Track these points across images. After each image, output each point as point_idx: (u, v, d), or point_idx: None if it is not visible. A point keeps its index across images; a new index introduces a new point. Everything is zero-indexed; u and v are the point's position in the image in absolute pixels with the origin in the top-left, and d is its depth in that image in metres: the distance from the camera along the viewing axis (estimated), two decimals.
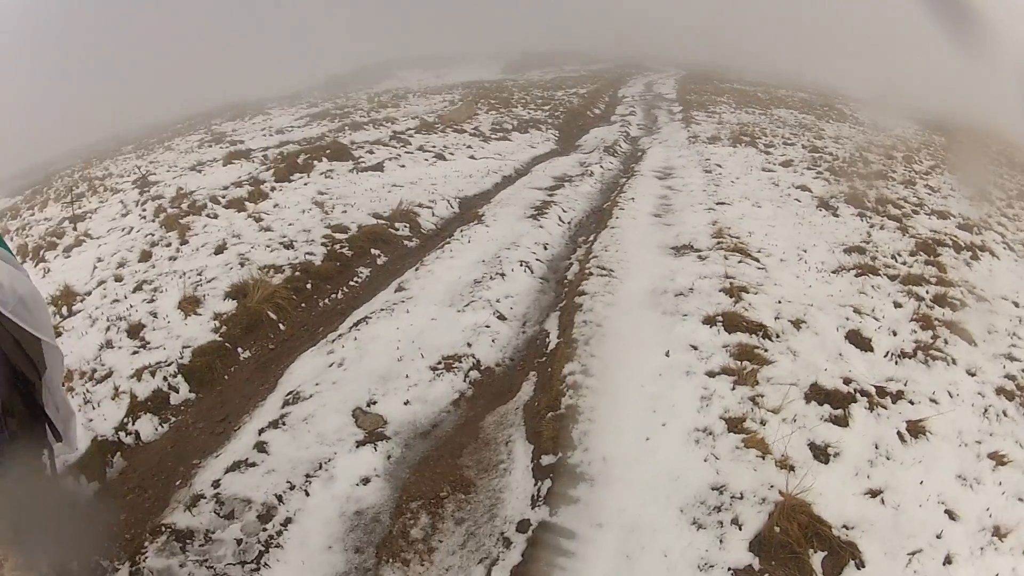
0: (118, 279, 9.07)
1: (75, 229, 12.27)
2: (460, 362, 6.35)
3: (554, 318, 7.18)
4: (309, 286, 8.38)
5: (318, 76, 39.76)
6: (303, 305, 8.12)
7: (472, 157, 16.14)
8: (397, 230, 10.51)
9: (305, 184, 13.19)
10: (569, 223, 10.54)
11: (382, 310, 7.24)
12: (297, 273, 8.52)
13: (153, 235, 10.78)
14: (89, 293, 8.84)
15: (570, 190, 12.30)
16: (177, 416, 6.34)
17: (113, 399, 6.47)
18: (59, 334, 7.76)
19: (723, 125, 21.10)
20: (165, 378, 6.61)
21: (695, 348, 5.97)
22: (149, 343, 7.23)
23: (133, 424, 6.17)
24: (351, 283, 8.85)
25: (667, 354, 5.82)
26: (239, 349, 7.20)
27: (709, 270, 7.62)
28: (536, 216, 10.35)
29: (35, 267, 10.94)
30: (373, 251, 9.72)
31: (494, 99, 26.07)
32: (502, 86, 32.79)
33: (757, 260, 8.20)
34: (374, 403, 5.75)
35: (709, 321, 6.39)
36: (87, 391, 6.66)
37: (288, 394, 6.08)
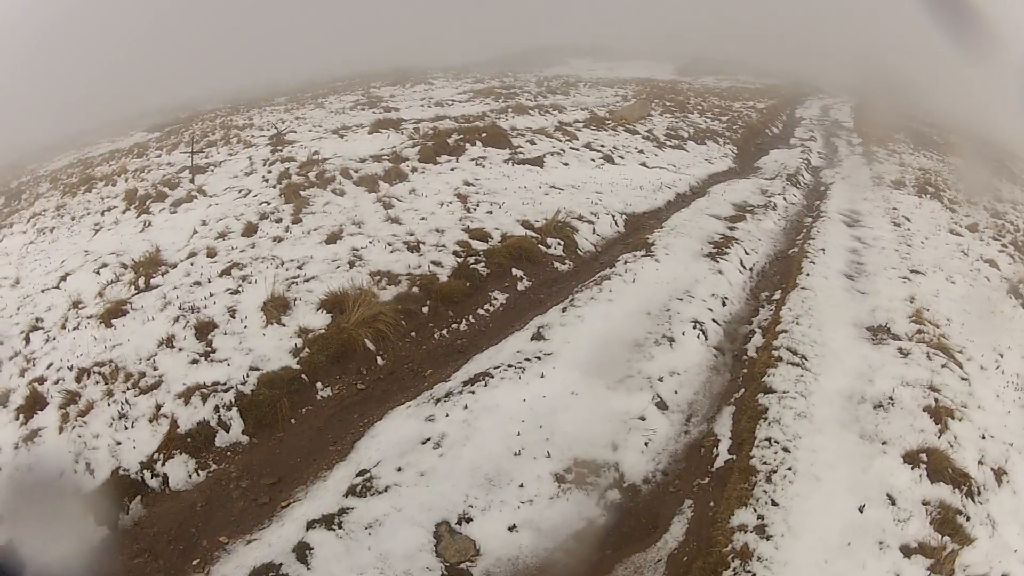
0: (211, 254, 8.55)
1: (192, 182, 12.13)
2: (597, 474, 5.16)
3: (727, 415, 6.10)
4: (426, 309, 7.29)
5: (488, 52, 40.19)
6: (413, 334, 7.02)
7: (644, 164, 14.94)
8: (549, 247, 9.23)
9: (452, 170, 12.30)
10: (751, 270, 9.46)
11: (510, 366, 6.15)
12: (415, 289, 7.41)
13: (268, 204, 10.36)
14: (175, 265, 8.42)
15: (752, 224, 11.29)
16: (219, 464, 5.46)
17: (151, 421, 5.72)
18: (123, 313, 7.29)
19: (905, 168, 20.19)
20: (217, 408, 5.75)
21: (892, 501, 5.02)
22: (214, 352, 6.47)
23: (164, 463, 5.36)
24: (480, 311, 7.66)
25: (861, 509, 4.93)
26: (318, 384, 6.21)
27: (911, 374, 6.78)
28: (715, 256, 9.26)
29: (137, 218, 10.84)
30: (515, 271, 8.51)
31: (669, 101, 25.06)
32: (676, 88, 31.80)
33: (960, 366, 7.32)
34: (468, 519, 4.66)
35: (911, 459, 5.50)
36: (125, 401, 5.98)
37: (360, 473, 4.99)
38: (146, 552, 4.68)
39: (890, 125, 29.09)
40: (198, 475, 5.28)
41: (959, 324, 8.42)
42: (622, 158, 14.97)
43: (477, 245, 8.66)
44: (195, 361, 6.24)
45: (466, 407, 5.49)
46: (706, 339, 7.06)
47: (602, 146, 15.62)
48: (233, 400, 5.74)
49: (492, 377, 5.91)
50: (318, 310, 6.82)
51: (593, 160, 14.33)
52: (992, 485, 5.51)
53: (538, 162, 13.41)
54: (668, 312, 7.31)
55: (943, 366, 7.03)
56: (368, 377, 6.35)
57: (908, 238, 12.13)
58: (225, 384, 5.89)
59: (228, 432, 5.58)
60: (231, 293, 7.33)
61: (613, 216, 10.65)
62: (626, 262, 8.67)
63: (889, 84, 44.03)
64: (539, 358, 6.22)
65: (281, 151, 13.88)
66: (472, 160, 12.96)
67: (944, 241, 12.58)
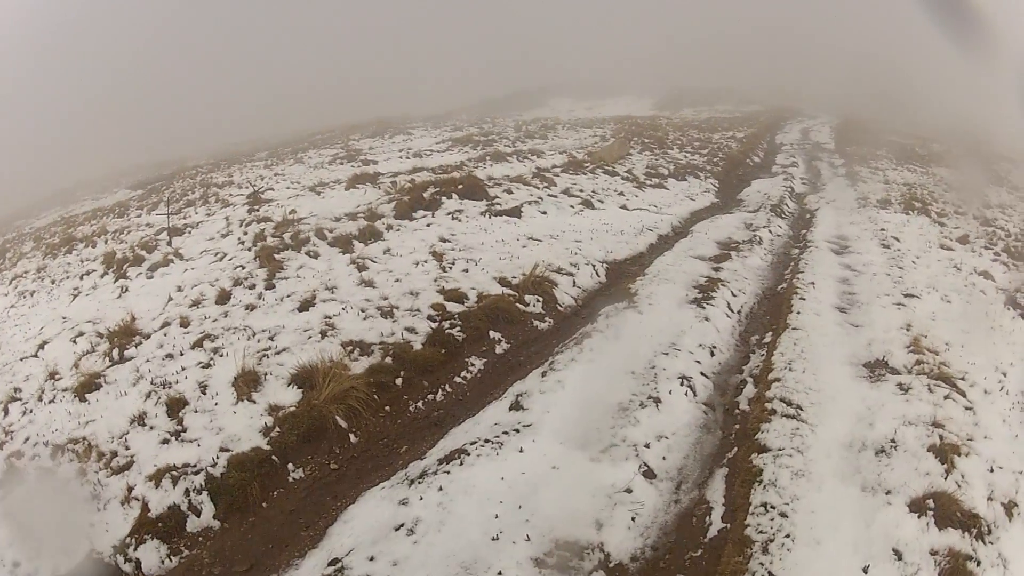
0: (184, 323, 8.70)
1: (169, 244, 12.31)
2: (581, 557, 4.94)
3: (720, 479, 5.85)
4: (400, 380, 7.39)
5: (470, 97, 40.71)
6: (387, 408, 7.10)
7: (624, 207, 15.00)
8: (527, 305, 9.13)
9: (428, 225, 12.51)
10: (739, 312, 9.30)
11: (487, 441, 6.05)
12: (388, 359, 7.54)
13: (243, 268, 10.53)
14: (149, 336, 8.57)
15: (738, 263, 11.20)
16: (191, 549, 5.48)
17: (123, 504, 5.80)
18: (97, 387, 7.45)
19: (890, 185, 20.18)
20: (188, 492, 5.83)
21: (899, 556, 4.87)
22: (185, 431, 6.57)
23: (136, 548, 5.41)
24: (457, 379, 7.69)
25: (865, 570, 4.76)
26: (290, 465, 6.27)
27: (913, 412, 6.61)
28: (700, 302, 9.13)
29: (114, 283, 11.05)
30: (492, 333, 8.53)
31: (648, 138, 25.18)
32: (655, 124, 32.08)
33: (963, 394, 7.12)
34: None
35: (917, 507, 5.33)
36: (98, 481, 6.08)
37: (332, 563, 4.96)
38: None
39: (872, 142, 29.03)
40: (171, 560, 5.31)
41: (959, 347, 8.26)
42: (601, 202, 15.01)
43: (453, 307, 8.76)
44: (166, 441, 6.32)
45: (441, 489, 5.40)
46: (695, 396, 6.90)
47: (581, 191, 15.69)
48: (203, 483, 5.79)
49: (468, 454, 5.81)
50: (289, 385, 6.94)
51: (572, 207, 14.42)
52: (1003, 521, 5.40)
53: (516, 212, 13.51)
54: (653, 369, 7.12)
55: (946, 397, 6.86)
56: (341, 456, 6.39)
57: (899, 259, 12.05)
58: (195, 466, 5.96)
59: (199, 516, 5.62)
60: (202, 367, 7.44)
61: (593, 266, 10.71)
62: (608, 316, 8.60)
63: (874, 94, 44.05)
64: (517, 430, 6.12)
65: (258, 211, 14.06)
66: (448, 214, 13.09)
67: (936, 258, 12.50)
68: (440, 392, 7.40)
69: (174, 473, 5.89)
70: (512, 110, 39.29)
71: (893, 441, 6.10)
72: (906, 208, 16.89)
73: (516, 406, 6.56)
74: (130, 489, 5.82)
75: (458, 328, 8.33)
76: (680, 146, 24.11)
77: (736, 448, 6.18)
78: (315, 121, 33.63)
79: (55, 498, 5.99)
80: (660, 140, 24.90)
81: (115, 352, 8.06)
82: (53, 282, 12.06)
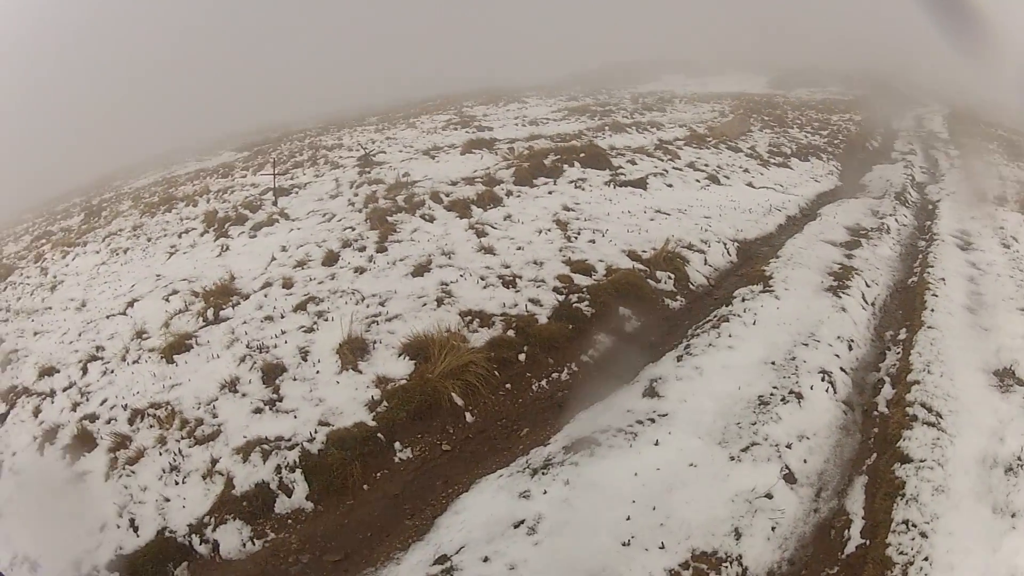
0: (287, 285, 8.24)
1: (275, 204, 11.99)
2: (718, 571, 4.42)
3: (859, 488, 5.46)
4: (523, 357, 6.64)
5: (580, 68, 39.94)
6: (507, 385, 6.39)
7: (750, 185, 14.18)
8: (658, 281, 8.50)
9: (550, 193, 11.74)
10: (873, 305, 8.74)
11: (619, 431, 5.53)
12: (510, 332, 6.79)
13: (352, 230, 10.06)
14: (248, 296, 8.15)
15: (868, 251, 10.61)
16: (278, 532, 5.00)
17: (204, 478, 5.36)
18: (187, 348, 7.10)
19: (1005, 181, 18.82)
20: (279, 468, 5.29)
21: None
22: (281, 400, 6.05)
23: (216, 528, 4.98)
24: (583, 358, 6.95)
25: None
26: (397, 445, 5.65)
27: None
28: (836, 290, 8.60)
29: (214, 242, 10.86)
30: (622, 310, 7.77)
31: (767, 115, 24.28)
32: (772, 102, 30.93)
33: None
34: None
35: None
36: (178, 452, 5.66)
37: (439, 560, 4.41)
38: None
39: (982, 135, 28.17)
40: (253, 544, 4.88)
41: None
42: (727, 178, 14.27)
43: (580, 280, 8.02)
44: (259, 410, 5.83)
45: (567, 482, 4.90)
46: (835, 393, 6.43)
47: (706, 165, 14.90)
48: (298, 460, 5.28)
49: (598, 444, 5.31)
50: (400, 356, 6.31)
51: (698, 181, 13.61)
52: None
53: (641, 184, 12.70)
54: (794, 361, 6.68)
55: None
56: (455, 436, 5.76)
57: (1019, 262, 11.19)
58: (290, 440, 5.45)
59: (290, 497, 5.12)
60: (305, 331, 6.94)
61: (724, 244, 9.93)
62: (744, 299, 8.09)
63: (980, 87, 41.97)
64: (652, 420, 5.63)
65: (369, 173, 13.69)
66: (571, 182, 12.37)
67: None
68: (565, 371, 6.70)
69: (265, 447, 5.39)
70: (625, 83, 38.65)
71: (1019, 459, 5.70)
72: (1021, 207, 15.88)
73: (651, 392, 6.06)
74: (214, 462, 5.39)
75: (586, 303, 7.56)
76: (800, 126, 23.26)
77: (876, 454, 5.80)
78: (424, 90, 33.65)
79: (126, 468, 5.58)
80: (779, 118, 24.05)
81: (210, 312, 7.70)
82: (149, 240, 12.04)
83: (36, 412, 6.85)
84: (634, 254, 8.88)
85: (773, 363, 6.58)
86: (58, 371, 7.41)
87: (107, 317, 8.45)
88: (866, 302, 8.65)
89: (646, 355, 6.98)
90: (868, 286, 9.09)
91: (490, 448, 5.65)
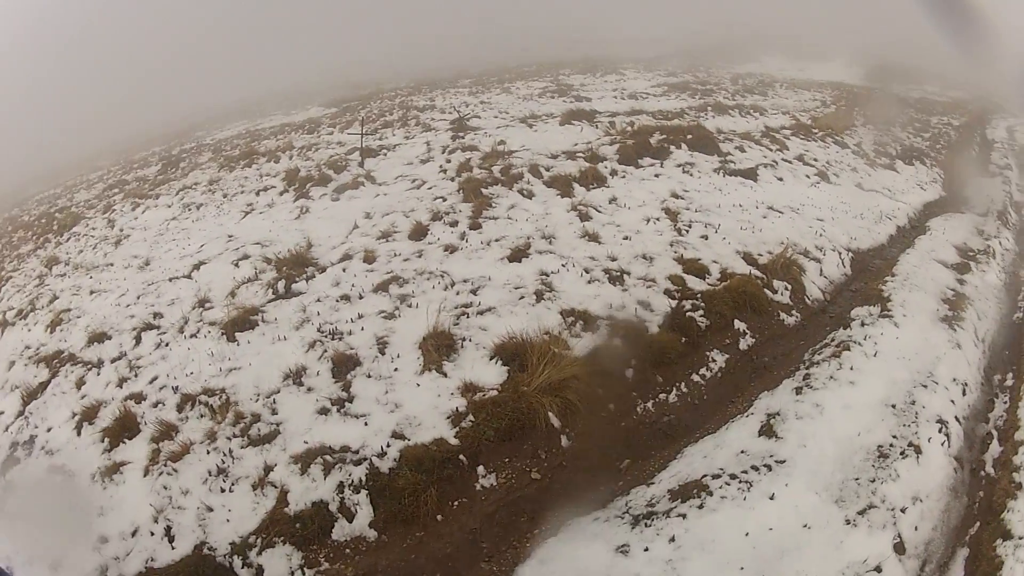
0: (368, 259, 7.56)
1: (361, 166, 11.32)
2: None
3: (960, 562, 5.11)
4: (630, 372, 5.80)
5: (679, 42, 38.57)
6: (611, 406, 5.56)
7: (859, 186, 13.00)
8: (775, 292, 7.57)
9: (656, 176, 10.74)
10: (983, 341, 8.03)
11: (732, 477, 5.03)
12: (616, 341, 5.99)
13: (444, 200, 9.29)
14: (324, 269, 7.50)
15: (978, 277, 9.75)
16: (333, 562, 4.44)
17: (255, 488, 4.77)
18: (252, 325, 6.50)
19: None
20: (341, 487, 4.65)
21: None
22: (351, 400, 5.37)
23: (262, 551, 4.42)
24: (695, 377, 6.15)
25: None
26: (480, 469, 4.92)
27: None
28: (951, 322, 7.92)
29: (294, 202, 10.30)
30: (736, 323, 6.90)
31: (868, 110, 22.38)
32: (871, 95, 29.03)
33: None
34: None
35: None
36: (228, 452, 5.08)
37: None
38: None
39: None
40: (303, 574, 4.29)
41: None
42: (837, 176, 13.20)
43: (693, 283, 7.12)
44: (325, 410, 5.16)
45: (672, 539, 4.46)
46: (949, 447, 5.94)
47: (815, 160, 13.73)
48: (364, 479, 4.62)
49: (709, 493, 4.81)
50: (492, 359, 5.53)
51: (808, 176, 12.47)
52: None
53: (751, 175, 11.61)
54: (913, 405, 6.15)
55: None
56: (546, 463, 5.01)
57: None
58: (357, 453, 4.79)
59: (351, 522, 4.49)
60: (385, 317, 6.23)
61: (839, 253, 9.01)
62: (863, 323, 7.40)
63: None
64: (769, 467, 5.12)
65: (463, 138, 12.89)
66: (678, 166, 11.36)
67: None
68: (674, 391, 5.92)
69: (328, 458, 4.75)
70: (723, 61, 37.37)
71: None
72: None
73: (768, 431, 5.52)
74: (268, 470, 4.78)
75: (700, 312, 6.66)
76: (901, 125, 21.73)
77: (979, 523, 5.42)
78: (521, 55, 32.81)
79: (168, 464, 5.03)
80: (882, 115, 22.29)
81: (281, 284, 7.07)
82: (225, 196, 11.52)
83: (79, 384, 6.40)
84: (749, 257, 7.95)
85: (893, 406, 6.07)
86: (109, 338, 6.95)
87: (170, 280, 7.97)
88: (978, 338, 7.94)
89: (760, 379, 6.41)
90: (979, 319, 8.36)
91: (586, 480, 5.00)
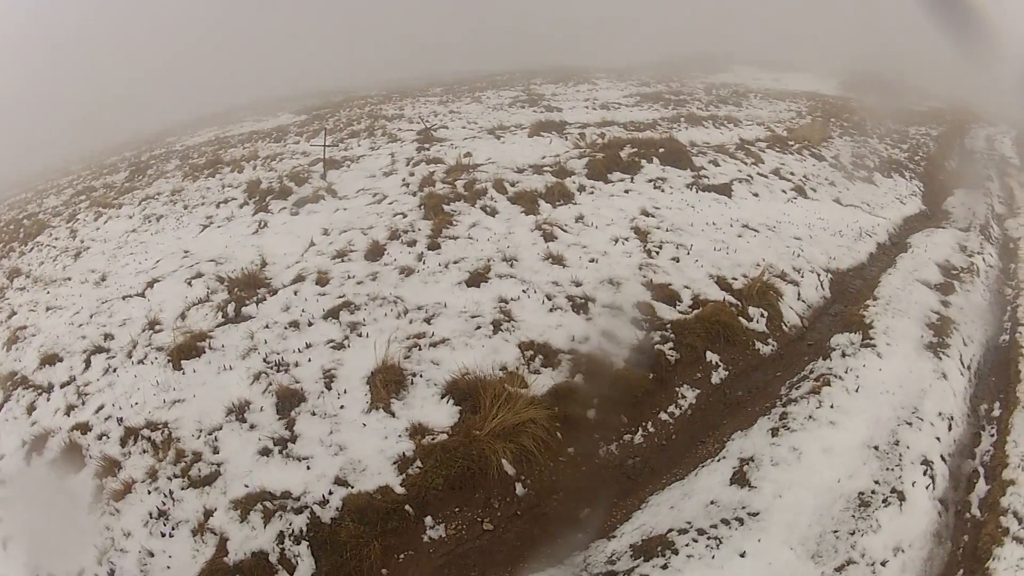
0: (321, 281, 7.29)
1: (323, 178, 11.05)
2: None
3: None
4: (592, 413, 5.55)
5: (651, 54, 38.80)
6: (570, 449, 5.31)
7: (837, 201, 12.78)
8: (750, 319, 7.30)
9: (626, 192, 10.53)
10: (969, 368, 7.77)
11: (700, 533, 4.73)
12: (578, 378, 5.76)
13: (404, 216, 9.02)
14: (276, 292, 7.24)
15: (962, 297, 9.54)
16: None
17: (195, 534, 4.54)
18: (198, 352, 6.24)
19: None
20: (282, 536, 4.42)
21: None
22: (295, 439, 5.11)
23: None
24: (662, 416, 5.87)
25: None
26: (428, 518, 4.66)
27: None
28: (936, 349, 7.63)
29: (252, 216, 10.04)
30: (709, 355, 6.62)
31: (845, 121, 22.72)
32: (848, 106, 29.37)
33: None
34: None
35: None
36: (169, 493, 4.80)
37: None
38: None
39: None
40: None
41: None
42: (814, 190, 12.92)
43: (663, 311, 6.86)
44: (267, 451, 4.89)
45: None
46: (934, 488, 5.69)
47: (792, 174, 13.52)
48: (305, 528, 4.36)
49: (675, 551, 4.49)
50: (443, 398, 5.26)
51: (784, 192, 12.24)
52: None
53: (725, 190, 11.40)
54: (897, 446, 5.89)
55: None
56: (500, 512, 4.75)
57: None
58: (299, 500, 4.52)
59: (291, 575, 4.18)
60: (333, 347, 5.97)
61: (818, 275, 8.71)
62: (844, 354, 7.07)
63: None
64: (741, 521, 4.80)
65: (428, 150, 12.65)
66: (649, 181, 11.12)
67: None
68: (640, 432, 5.63)
69: (268, 504, 4.49)
70: (696, 71, 37.53)
71: None
72: None
73: (741, 479, 5.18)
74: (208, 514, 4.53)
75: (670, 344, 6.40)
76: (879, 136, 21.76)
77: (962, 571, 5.20)
78: (491, 63, 32.72)
79: (111, 504, 4.77)
80: (859, 125, 22.53)
81: (231, 307, 6.80)
82: (186, 208, 11.23)
83: (30, 409, 6.19)
84: (723, 281, 7.67)
85: (876, 448, 5.80)
86: (61, 360, 6.72)
87: (123, 298, 7.70)
88: (963, 365, 7.66)
89: (734, 416, 6.08)
90: (965, 344, 8.09)
91: (542, 531, 4.73)
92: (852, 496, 5.18)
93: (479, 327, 6.20)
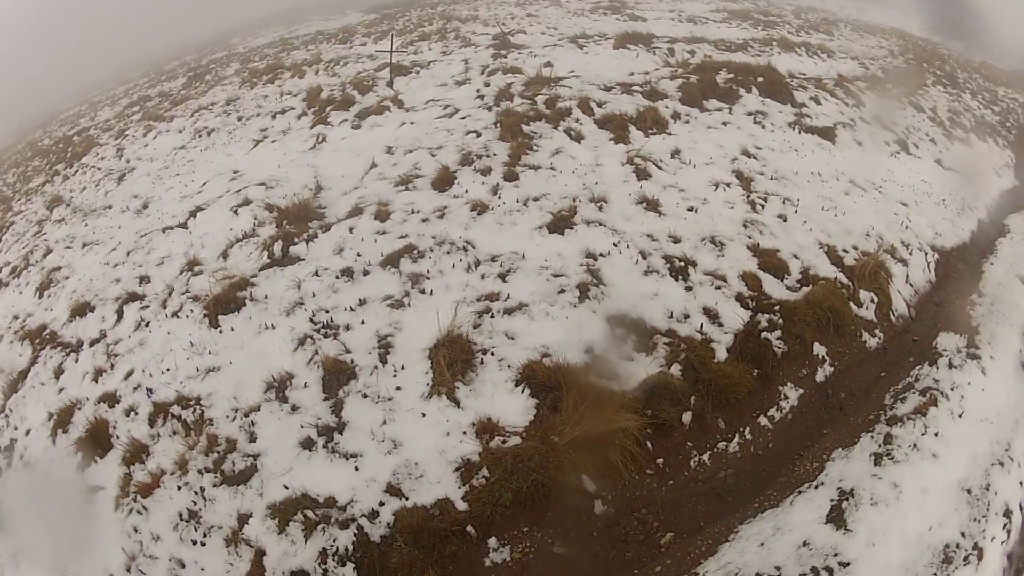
0: (382, 215, 6.42)
1: (390, 86, 10.05)
2: None
3: None
4: (687, 416, 4.68)
5: None
6: (659, 460, 4.49)
7: (939, 162, 11.20)
8: (860, 305, 6.25)
9: (724, 124, 9.30)
10: None
11: None
12: (675, 368, 4.87)
13: (477, 136, 8.03)
14: (329, 228, 6.37)
15: None
16: None
17: (228, 545, 4.00)
18: (238, 306, 5.59)
19: None
20: (324, 555, 3.80)
21: None
22: (342, 428, 4.40)
23: None
24: (761, 420, 5.04)
25: None
26: (492, 540, 3.96)
27: None
28: None
29: (310, 129, 9.22)
30: (816, 348, 5.66)
31: (938, 70, 20.03)
32: (936, 51, 26.38)
33: None
34: None
35: None
36: (201, 490, 4.27)
37: None
38: None
39: None
40: None
41: None
42: (916, 146, 11.36)
43: (771, 287, 5.85)
44: (310, 443, 4.24)
45: None
46: (1007, 543, 5.11)
47: (893, 123, 11.91)
48: (351, 548, 3.76)
49: None
50: (517, 385, 4.45)
51: (887, 144, 10.72)
52: None
53: (828, 135, 9.98)
54: (987, 491, 5.21)
55: None
56: (573, 533, 4.03)
57: None
58: (344, 509, 3.90)
59: None
60: (391, 306, 5.18)
61: (926, 254, 7.59)
62: (951, 364, 6.15)
63: None
64: (830, 572, 4.15)
65: (505, 57, 11.50)
66: (749, 114, 9.78)
67: None
68: (736, 439, 4.82)
69: (310, 513, 3.88)
70: None
71: None
72: None
73: (837, 518, 4.48)
74: (242, 520, 3.96)
75: (777, 332, 5.42)
76: (972, 92, 19.21)
77: None
78: None
79: (138, 500, 4.32)
80: (950, 76, 19.98)
81: (277, 246, 6.06)
82: (240, 119, 10.43)
83: (57, 372, 5.72)
84: (834, 254, 6.60)
85: (969, 492, 5.12)
86: (92, 309, 6.21)
87: (164, 230, 7.08)
88: None
89: (835, 425, 5.30)
90: None
91: (618, 557, 4.07)
92: (938, 549, 4.60)
93: (562, 290, 5.29)
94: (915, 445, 5.10)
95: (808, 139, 9.41)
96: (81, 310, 6.22)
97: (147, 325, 5.60)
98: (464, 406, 4.35)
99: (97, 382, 5.29)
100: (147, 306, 5.87)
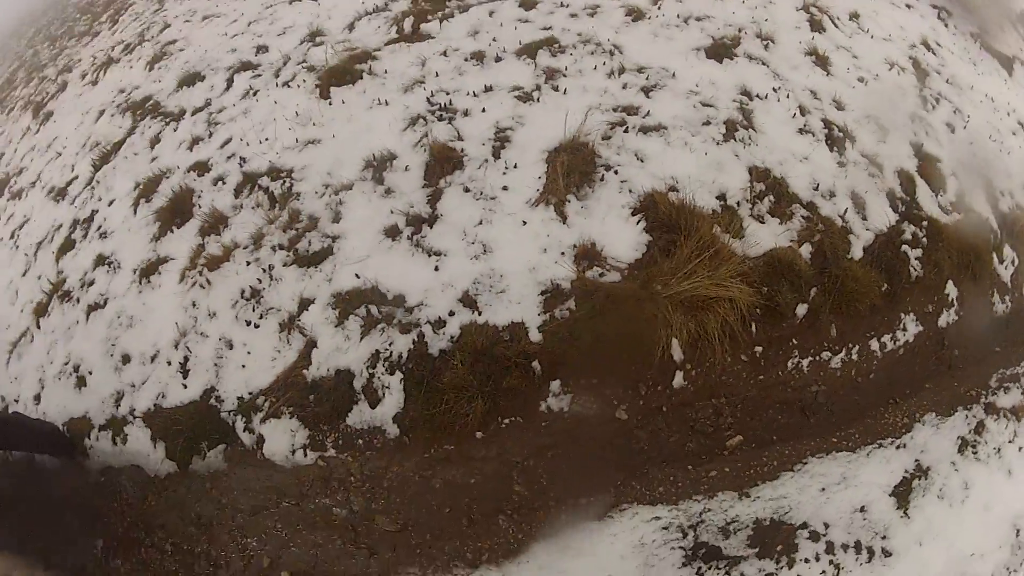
0: (526, 3, 5.21)
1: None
2: None
3: None
4: (802, 308, 3.78)
5: None
6: (757, 350, 3.69)
7: None
8: (1002, 260, 4.98)
9: (908, 7, 7.33)
10: None
11: (827, 550, 3.50)
12: (805, 250, 3.87)
13: None
14: (468, 8, 5.30)
15: None
16: (340, 452, 3.44)
17: (281, 330, 3.70)
18: (354, 78, 4.85)
19: None
20: (375, 359, 3.39)
21: None
22: (433, 220, 3.83)
23: (266, 419, 3.50)
24: (873, 344, 4.02)
25: None
26: (554, 383, 3.35)
27: None
28: None
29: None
30: (949, 287, 4.51)
31: None
32: None
33: None
34: None
35: None
36: (269, 268, 3.92)
37: None
38: None
39: None
40: (304, 455, 3.28)
41: None
42: None
43: (924, 199, 4.50)
44: (395, 231, 3.61)
45: None
46: None
47: None
48: (405, 355, 3.28)
49: (791, 561, 3.38)
50: (634, 215, 3.53)
51: None
52: None
53: (1007, 63, 7.78)
54: None
55: None
56: (642, 401, 3.33)
57: None
58: (411, 311, 3.36)
59: (374, 408, 3.30)
60: (518, 98, 4.20)
61: None
62: None
63: None
64: (871, 553, 3.56)
65: None
66: (935, 7, 7.62)
67: None
68: (842, 355, 3.85)
69: (374, 309, 3.42)
70: None
71: None
72: None
73: (903, 495, 3.75)
74: (303, 306, 3.63)
75: (919, 251, 4.22)
76: None
77: None
78: None
79: (203, 273, 3.96)
80: None
81: (408, 22, 5.04)
82: None
83: (153, 142, 5.06)
84: (990, 191, 5.11)
85: (1018, 533, 4.21)
86: (202, 79, 5.44)
87: (290, 2, 6.04)
88: None
89: (939, 382, 4.32)
90: None
91: (678, 443, 3.39)
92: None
93: (708, 122, 4.14)
94: (999, 449, 4.23)
95: (987, 62, 7.33)
96: (190, 80, 5.47)
97: (255, 94, 4.86)
98: (571, 223, 3.50)
99: (192, 151, 4.69)
100: (259, 75, 5.09)
